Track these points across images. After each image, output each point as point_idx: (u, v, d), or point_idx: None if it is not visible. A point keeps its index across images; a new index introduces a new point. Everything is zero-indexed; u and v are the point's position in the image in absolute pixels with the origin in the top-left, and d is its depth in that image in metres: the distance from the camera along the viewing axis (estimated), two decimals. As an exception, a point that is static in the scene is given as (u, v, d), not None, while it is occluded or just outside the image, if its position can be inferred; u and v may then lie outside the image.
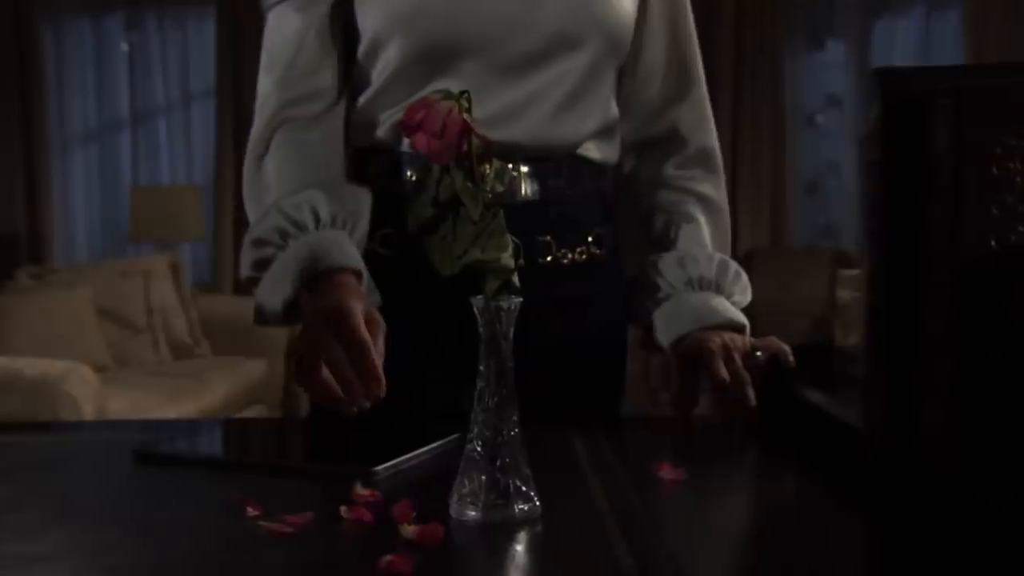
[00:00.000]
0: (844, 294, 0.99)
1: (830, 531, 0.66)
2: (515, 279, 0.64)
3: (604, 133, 1.03)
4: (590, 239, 1.03)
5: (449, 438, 0.86)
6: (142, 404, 2.84)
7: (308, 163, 0.97)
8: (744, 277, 1.06)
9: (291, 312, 0.90)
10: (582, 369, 1.04)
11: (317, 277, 0.88)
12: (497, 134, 0.87)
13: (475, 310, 0.66)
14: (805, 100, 4.47)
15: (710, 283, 1.03)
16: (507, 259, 0.62)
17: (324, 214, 0.93)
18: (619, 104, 1.05)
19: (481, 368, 0.67)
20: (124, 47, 4.74)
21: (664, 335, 1.03)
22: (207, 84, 4.60)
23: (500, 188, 0.62)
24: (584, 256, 1.02)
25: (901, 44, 4.33)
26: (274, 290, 0.90)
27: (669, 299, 1.03)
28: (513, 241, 0.63)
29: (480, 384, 0.67)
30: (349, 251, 0.91)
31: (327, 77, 1.00)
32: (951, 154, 0.61)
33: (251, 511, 0.66)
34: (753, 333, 1.09)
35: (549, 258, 1.00)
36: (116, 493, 0.74)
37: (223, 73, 4.44)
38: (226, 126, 4.42)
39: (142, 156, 4.66)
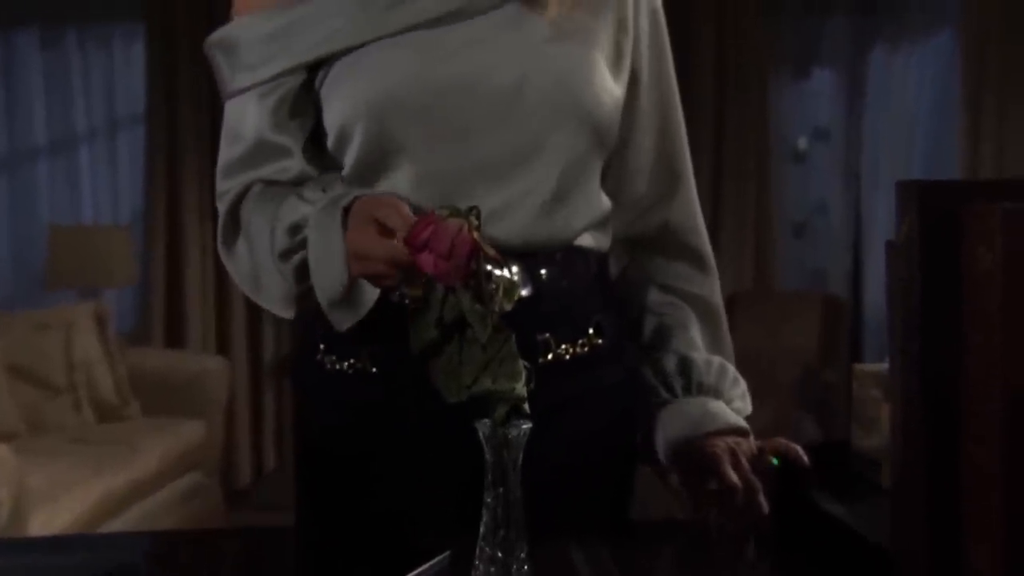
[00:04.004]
0: (862, 391, 1.02)
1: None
2: (526, 405, 0.65)
3: (597, 225, 1.06)
4: (591, 330, 1.05)
5: (440, 557, 0.87)
6: (63, 478, 2.78)
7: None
8: (743, 384, 1.09)
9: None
10: (590, 470, 1.05)
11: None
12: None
13: (480, 436, 0.68)
14: (791, 133, 4.57)
15: (709, 388, 1.06)
16: (520, 389, 0.64)
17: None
18: (607, 195, 1.08)
19: (487, 499, 0.68)
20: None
21: (662, 443, 1.05)
22: (135, 109, 4.57)
23: (508, 308, 0.63)
24: (586, 348, 1.04)
25: (893, 71, 4.44)
26: (329, 277, 0.91)
27: (666, 405, 1.06)
28: (525, 367, 0.65)
29: (485, 516, 0.68)
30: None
31: (295, 161, 1.02)
32: (998, 274, 0.63)
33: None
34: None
35: (550, 356, 1.01)
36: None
37: (154, 96, 4.41)
38: (157, 156, 4.37)
39: (60, 190, 4.59)
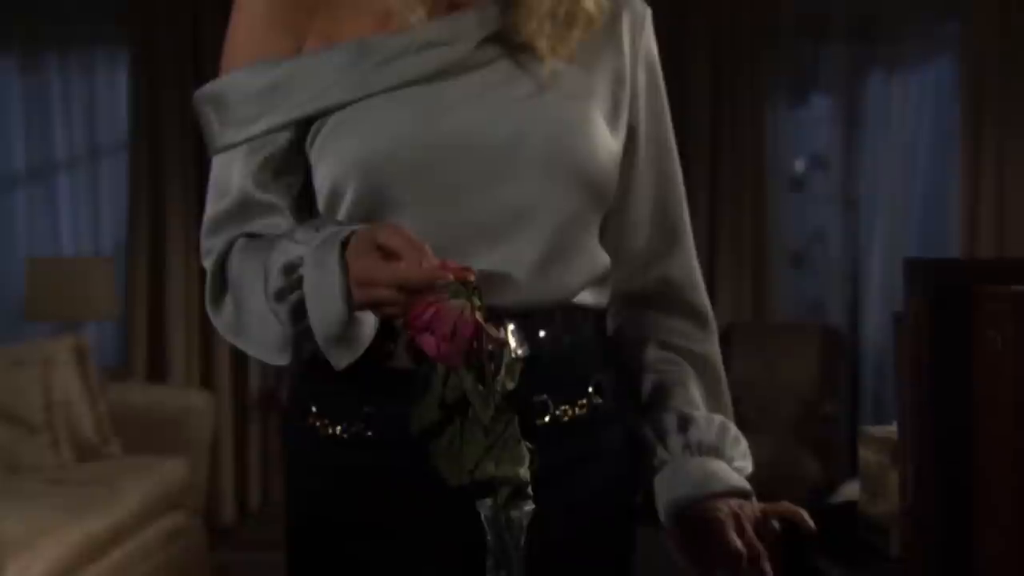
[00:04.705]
0: (868, 455, 1.02)
1: None
2: (529, 488, 0.65)
3: (596, 282, 1.07)
4: (590, 389, 1.05)
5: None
6: (39, 522, 2.75)
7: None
8: (744, 443, 1.10)
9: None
10: (590, 533, 1.05)
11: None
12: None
13: (482, 518, 0.68)
14: (788, 160, 4.60)
15: (710, 447, 1.06)
16: (524, 473, 0.64)
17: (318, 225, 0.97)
18: (606, 251, 1.09)
19: (489, 584, 0.68)
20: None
21: (663, 504, 1.05)
22: (118, 136, 4.57)
23: (511, 385, 0.63)
24: (585, 410, 1.04)
25: (891, 97, 4.47)
26: (326, 312, 0.90)
27: (666, 464, 1.06)
28: (528, 448, 0.65)
29: (488, 601, 0.68)
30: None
31: (285, 219, 1.03)
32: (1009, 358, 0.64)
33: None
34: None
35: (547, 418, 1.00)
36: None
37: (137, 123, 4.41)
38: (140, 185, 4.37)
39: (39, 220, 4.58)
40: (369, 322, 0.92)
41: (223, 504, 4.22)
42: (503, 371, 0.64)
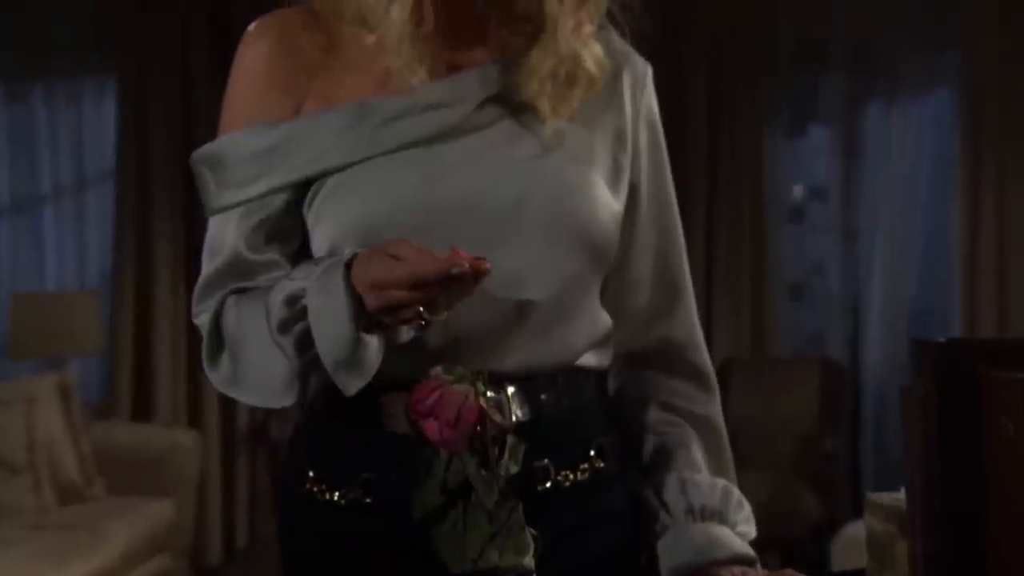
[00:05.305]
0: (875, 523, 1.02)
1: None
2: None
3: (598, 343, 1.07)
4: (592, 453, 1.05)
5: None
6: (20, 569, 2.73)
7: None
8: (747, 507, 1.10)
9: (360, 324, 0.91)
10: None
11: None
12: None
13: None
14: (786, 191, 4.62)
15: (713, 512, 1.06)
16: (528, 561, 0.64)
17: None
18: (605, 309, 1.09)
19: (492, 671, 0.68)
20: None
21: (665, 570, 1.05)
22: (104, 166, 4.56)
23: (515, 469, 0.63)
24: (587, 474, 1.04)
25: (891, 128, 4.50)
26: (334, 335, 0.90)
27: (668, 530, 1.06)
28: (531, 534, 0.65)
29: None
30: None
31: (281, 273, 1.03)
32: (1021, 446, 0.64)
33: None
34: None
35: (549, 484, 1.00)
36: None
37: (124, 151, 4.41)
38: (127, 216, 4.36)
39: (24, 252, 4.57)
40: (374, 344, 0.92)
41: (210, 543, 4.19)
42: (507, 455, 0.64)
